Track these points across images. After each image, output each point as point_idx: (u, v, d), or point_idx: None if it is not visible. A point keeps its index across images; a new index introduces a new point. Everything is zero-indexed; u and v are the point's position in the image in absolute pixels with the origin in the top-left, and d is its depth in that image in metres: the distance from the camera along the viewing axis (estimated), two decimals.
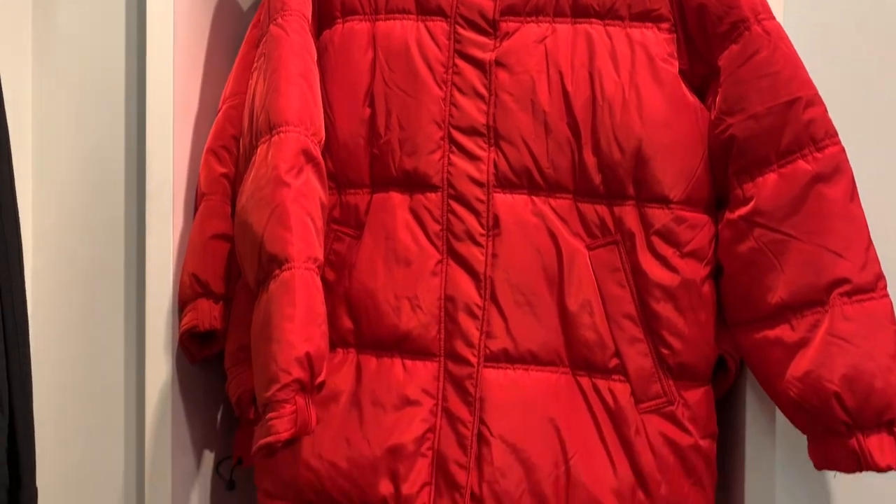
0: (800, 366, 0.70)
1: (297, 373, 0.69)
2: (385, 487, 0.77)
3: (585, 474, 0.75)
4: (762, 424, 0.79)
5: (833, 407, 0.68)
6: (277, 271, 0.71)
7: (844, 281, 0.70)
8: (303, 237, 0.72)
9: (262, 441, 0.69)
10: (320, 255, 0.73)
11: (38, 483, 0.72)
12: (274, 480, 0.81)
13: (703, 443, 0.77)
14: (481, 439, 0.76)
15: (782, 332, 0.72)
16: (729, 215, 0.75)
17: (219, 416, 0.97)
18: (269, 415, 0.69)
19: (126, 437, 0.94)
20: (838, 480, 0.80)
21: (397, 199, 0.80)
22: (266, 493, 0.82)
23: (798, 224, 0.71)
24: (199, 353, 0.87)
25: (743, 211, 0.74)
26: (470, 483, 0.76)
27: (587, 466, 0.75)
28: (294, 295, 0.70)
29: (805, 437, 0.74)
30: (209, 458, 0.94)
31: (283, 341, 0.69)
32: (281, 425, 0.68)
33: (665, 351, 0.75)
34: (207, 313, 0.83)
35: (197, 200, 0.88)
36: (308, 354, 0.69)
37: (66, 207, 0.98)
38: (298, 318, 0.69)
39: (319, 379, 0.71)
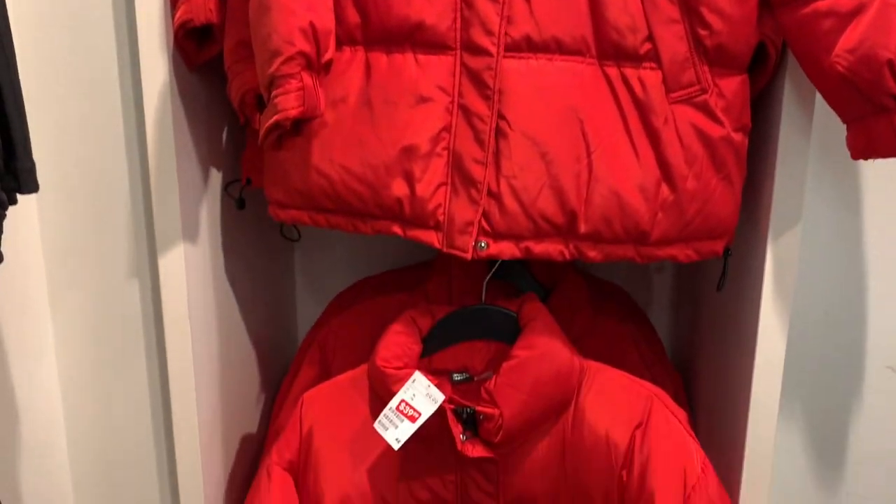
0: (852, 36, 0.64)
1: (301, 44, 0.63)
2: (399, 188, 0.74)
3: (608, 169, 0.71)
4: (797, 121, 0.74)
5: (885, 76, 0.63)
6: None
7: None
8: None
9: (269, 121, 0.65)
10: None
11: None
12: (285, 189, 0.78)
13: (736, 136, 0.72)
14: (499, 133, 0.71)
15: (836, 0, 0.65)
16: None
17: (224, 137, 0.94)
18: (275, 92, 0.65)
19: (128, 151, 0.91)
20: (867, 182, 0.78)
21: None
22: (278, 204, 0.80)
23: None
24: (198, 56, 0.81)
25: None
26: (487, 179, 0.72)
27: (611, 161, 0.71)
28: None
29: (841, 137, 0.71)
30: (217, 177, 0.92)
31: (283, 8, 0.63)
32: (287, 102, 0.64)
33: (703, 31, 0.69)
34: (201, 5, 0.76)
35: None
36: (312, 24, 0.63)
37: None
38: None
39: (326, 56, 0.66)
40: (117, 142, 0.96)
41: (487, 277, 0.87)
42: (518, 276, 0.99)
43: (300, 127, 0.73)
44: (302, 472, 0.83)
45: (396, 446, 0.78)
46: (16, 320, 0.99)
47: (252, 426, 1.04)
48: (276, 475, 0.82)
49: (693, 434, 0.79)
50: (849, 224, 0.94)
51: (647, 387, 0.81)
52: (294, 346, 1.16)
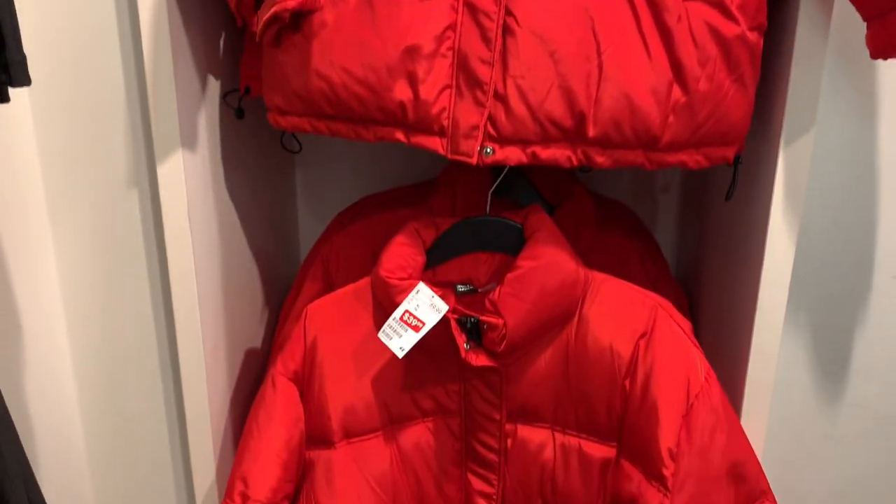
0: None
1: None
2: (402, 91, 0.71)
3: (619, 69, 0.69)
4: (815, 21, 0.71)
5: None
6: None
7: None
8: None
9: (268, 13, 0.62)
10: None
11: None
12: (285, 94, 0.76)
13: (751, 35, 0.70)
14: (507, 31, 0.69)
15: None
16: None
17: (221, 44, 0.91)
18: None
19: (124, 56, 0.89)
20: (885, 87, 0.76)
21: None
22: (277, 110, 0.78)
23: None
24: None
25: None
26: (494, 80, 0.70)
27: (622, 61, 0.69)
28: None
29: (859, 39, 0.68)
30: (215, 85, 0.89)
31: None
32: None
33: None
34: None
35: None
36: None
37: None
38: None
39: None
40: (113, 47, 0.93)
41: (493, 188, 0.85)
42: (523, 192, 0.97)
43: (300, 26, 0.70)
44: (306, 382, 0.83)
45: (401, 354, 0.77)
46: (14, 231, 0.98)
47: (256, 341, 1.04)
48: (280, 385, 0.82)
49: (697, 344, 0.79)
50: (865, 130, 0.92)
51: (652, 297, 0.81)
52: (296, 263, 1.16)
